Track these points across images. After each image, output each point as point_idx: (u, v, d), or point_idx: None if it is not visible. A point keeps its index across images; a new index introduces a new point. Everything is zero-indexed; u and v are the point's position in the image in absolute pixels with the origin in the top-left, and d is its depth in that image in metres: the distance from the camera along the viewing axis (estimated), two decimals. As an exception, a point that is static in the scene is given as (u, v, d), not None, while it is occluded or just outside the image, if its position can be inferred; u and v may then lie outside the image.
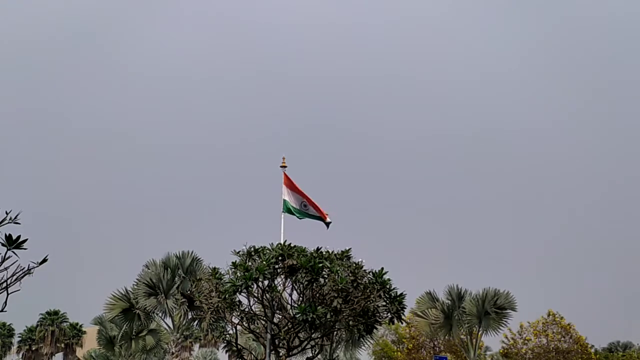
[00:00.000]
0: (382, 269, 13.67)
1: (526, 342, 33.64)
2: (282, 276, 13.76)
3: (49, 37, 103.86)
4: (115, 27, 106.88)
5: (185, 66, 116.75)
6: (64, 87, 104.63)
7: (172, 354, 22.71)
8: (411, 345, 34.58)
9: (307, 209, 17.05)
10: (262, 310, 14.23)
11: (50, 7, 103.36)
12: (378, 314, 13.63)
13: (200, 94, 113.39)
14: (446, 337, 30.43)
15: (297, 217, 16.94)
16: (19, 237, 6.07)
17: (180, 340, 22.96)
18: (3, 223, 6.10)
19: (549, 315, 34.06)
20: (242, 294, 13.70)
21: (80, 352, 53.33)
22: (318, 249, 13.67)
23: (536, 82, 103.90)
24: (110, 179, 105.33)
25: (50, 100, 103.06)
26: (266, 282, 13.60)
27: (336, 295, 12.88)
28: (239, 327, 14.64)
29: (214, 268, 14.38)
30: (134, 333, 27.37)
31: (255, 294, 13.77)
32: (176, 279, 22.25)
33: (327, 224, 17.09)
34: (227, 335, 15.46)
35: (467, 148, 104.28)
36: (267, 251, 13.80)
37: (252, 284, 13.37)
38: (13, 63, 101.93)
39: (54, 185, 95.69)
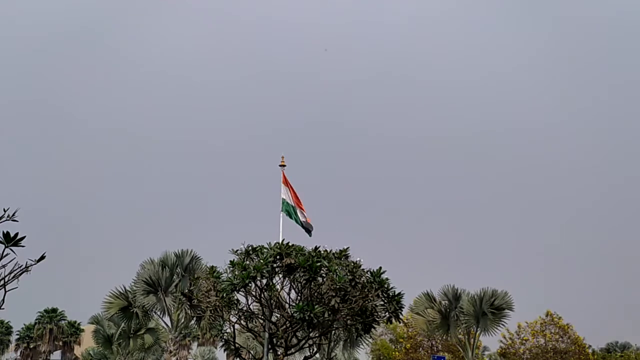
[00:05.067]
0: (380, 268, 13.69)
1: (524, 342, 33.70)
2: (280, 275, 13.78)
3: (52, 33, 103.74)
4: (118, 25, 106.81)
5: (185, 64, 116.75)
6: (64, 83, 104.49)
7: (170, 352, 22.69)
8: (409, 345, 34.61)
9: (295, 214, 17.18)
10: (260, 309, 14.24)
11: (53, 4, 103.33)
12: (376, 313, 13.63)
13: (199, 92, 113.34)
14: (444, 337, 30.47)
15: (292, 218, 17.02)
16: (16, 234, 6.07)
17: (178, 338, 22.93)
18: (1, 220, 6.10)
19: (547, 315, 34.12)
20: (240, 292, 13.73)
21: (78, 350, 53.34)
22: (316, 247, 13.67)
23: (538, 82, 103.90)
24: (110, 176, 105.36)
25: (51, 96, 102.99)
26: (264, 281, 13.61)
27: (334, 294, 12.88)
28: (237, 325, 14.66)
29: (212, 267, 14.40)
30: (132, 331, 27.35)
31: (253, 293, 13.79)
32: (175, 277, 22.25)
33: (309, 232, 17.23)
34: (225, 334, 15.47)
35: (467, 148, 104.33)
36: (265, 250, 13.81)
37: (250, 282, 13.38)
38: (14, 58, 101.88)
39: (52, 182, 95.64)
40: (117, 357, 27.98)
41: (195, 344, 53.62)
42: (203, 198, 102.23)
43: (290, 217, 17.09)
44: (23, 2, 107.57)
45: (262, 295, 13.74)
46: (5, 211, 6.13)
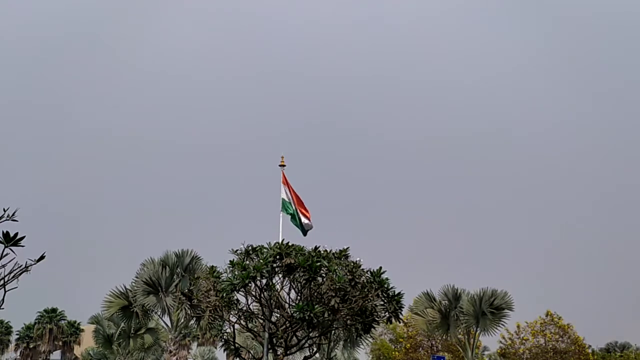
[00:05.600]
0: (380, 268, 13.69)
1: (524, 342, 33.71)
2: (280, 275, 13.78)
3: (51, 34, 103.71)
4: (117, 25, 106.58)
5: (185, 65, 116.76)
6: (65, 83, 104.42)
7: (170, 352, 22.68)
8: (409, 344, 34.62)
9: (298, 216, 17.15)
10: (260, 309, 14.24)
11: (53, 4, 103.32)
12: (376, 313, 13.64)
13: (199, 93, 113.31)
14: (444, 337, 30.47)
15: (291, 220, 16.98)
16: (16, 234, 6.07)
17: (178, 338, 22.92)
18: (1, 220, 6.10)
19: (547, 315, 34.14)
20: (240, 292, 13.73)
21: (78, 350, 53.34)
22: (316, 247, 13.67)
23: (538, 83, 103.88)
24: (110, 176, 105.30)
25: (51, 96, 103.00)
26: (264, 281, 13.62)
27: (334, 294, 12.89)
28: (236, 325, 14.66)
29: (212, 267, 14.40)
30: (132, 331, 27.36)
31: (253, 293, 13.79)
32: (175, 277, 22.24)
33: (305, 232, 17.22)
34: (225, 334, 15.48)
35: (467, 148, 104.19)
36: (265, 250, 13.81)
37: (250, 282, 13.39)
38: (14, 58, 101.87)
39: (53, 182, 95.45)
40: (117, 357, 27.99)
41: (195, 344, 53.58)
42: (203, 198, 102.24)
43: (295, 223, 17.05)
44: (23, 2, 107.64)
45: (262, 295, 13.74)
46: (5, 211, 6.13)
